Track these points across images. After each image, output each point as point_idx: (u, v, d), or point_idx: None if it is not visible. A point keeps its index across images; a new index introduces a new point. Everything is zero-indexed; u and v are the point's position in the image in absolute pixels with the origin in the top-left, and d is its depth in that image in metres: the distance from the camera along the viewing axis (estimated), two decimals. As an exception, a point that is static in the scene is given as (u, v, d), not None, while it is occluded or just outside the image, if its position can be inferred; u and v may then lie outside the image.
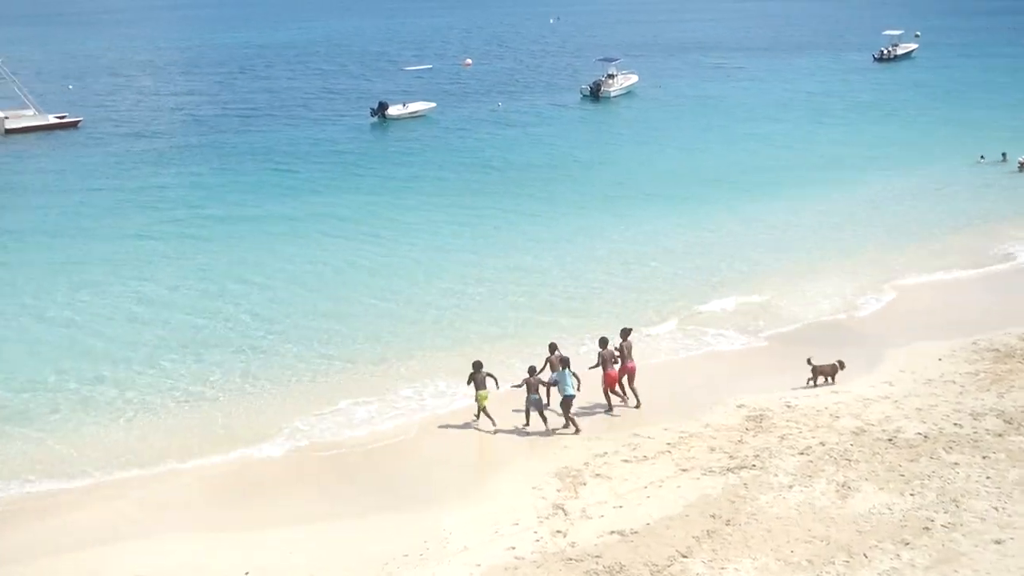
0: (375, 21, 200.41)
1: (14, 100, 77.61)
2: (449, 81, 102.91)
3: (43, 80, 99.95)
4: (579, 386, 25.55)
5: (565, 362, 25.83)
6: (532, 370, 26.05)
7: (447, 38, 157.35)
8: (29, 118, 75.95)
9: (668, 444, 24.25)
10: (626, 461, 23.39)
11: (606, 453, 23.89)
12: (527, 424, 26.03)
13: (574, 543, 19.67)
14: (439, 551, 19.75)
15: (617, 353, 26.89)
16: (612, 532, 20.02)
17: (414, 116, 79.39)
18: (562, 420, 25.77)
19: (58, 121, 76.59)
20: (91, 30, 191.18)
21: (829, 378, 28.15)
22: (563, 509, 21.14)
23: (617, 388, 27.06)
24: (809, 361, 28.25)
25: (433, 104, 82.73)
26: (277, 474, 24.22)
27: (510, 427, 26.28)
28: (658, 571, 18.53)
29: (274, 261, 41.57)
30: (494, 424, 26.15)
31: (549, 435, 25.31)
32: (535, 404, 25.79)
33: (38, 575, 19.90)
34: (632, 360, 27.10)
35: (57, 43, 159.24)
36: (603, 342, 27.08)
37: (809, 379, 28.11)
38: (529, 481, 22.59)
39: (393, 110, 78.92)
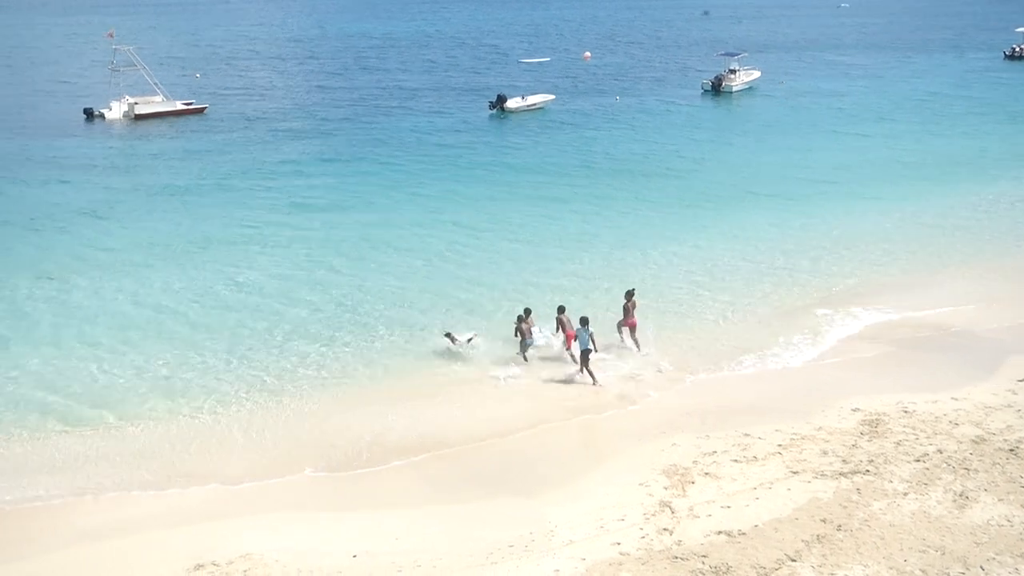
0: (489, 13, 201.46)
1: (144, 87, 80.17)
2: (567, 74, 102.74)
3: (171, 67, 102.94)
4: (595, 344, 28.77)
5: (584, 321, 28.79)
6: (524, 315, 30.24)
7: (562, 31, 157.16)
8: (158, 104, 78.40)
9: (779, 446, 23.88)
10: (736, 461, 23.12)
11: (715, 452, 23.65)
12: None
13: (680, 541, 19.53)
14: (544, 543, 19.82)
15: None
16: (719, 532, 19.82)
17: (532, 109, 79.40)
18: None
19: (185, 107, 78.92)
20: (215, 17, 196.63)
21: None
22: (670, 507, 21.00)
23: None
24: None
25: (552, 97, 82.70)
26: (384, 461, 24.57)
27: (616, 417, 26.34)
28: (765, 574, 18.29)
29: (382, 252, 42.15)
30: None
31: (655, 433, 25.20)
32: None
33: (150, 547, 20.56)
34: (634, 317, 31.14)
35: (183, 30, 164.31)
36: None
37: None
38: (636, 477, 22.49)
39: (512, 103, 79.08)
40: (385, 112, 78.66)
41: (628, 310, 31.29)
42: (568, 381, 29.11)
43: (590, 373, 28.76)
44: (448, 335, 31.22)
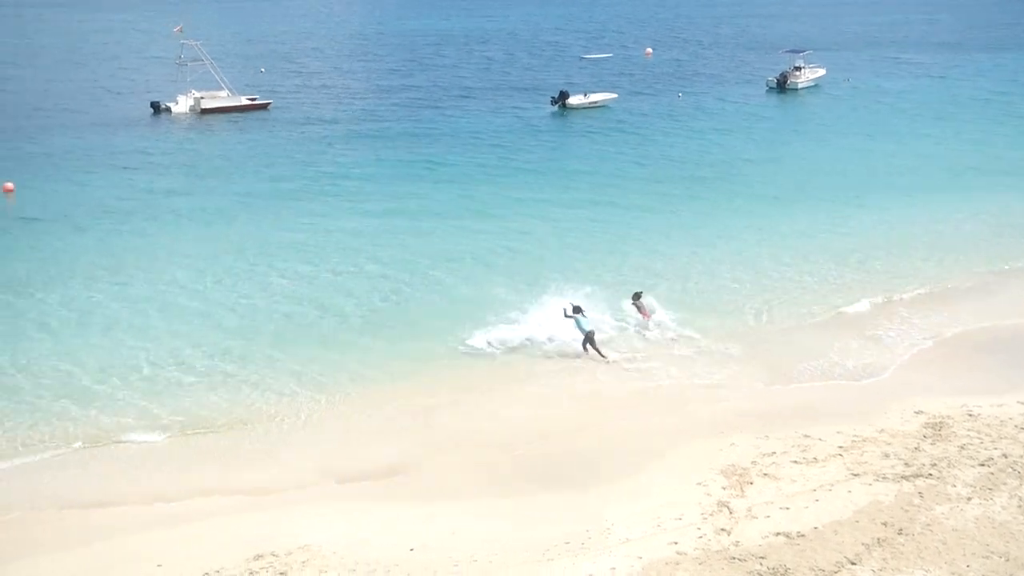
0: (548, 9, 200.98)
1: (210, 81, 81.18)
2: (629, 71, 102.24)
3: (235, 62, 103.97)
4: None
5: (577, 309, 31.11)
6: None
7: (622, 28, 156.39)
8: (223, 99, 79.31)
9: (840, 447, 23.61)
10: (795, 462, 22.90)
11: (775, 453, 23.45)
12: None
13: (738, 542, 19.40)
14: (601, 541, 19.80)
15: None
16: (778, 534, 19.65)
17: (595, 106, 79.10)
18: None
19: (250, 103, 79.77)
20: (277, 13, 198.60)
21: None
22: (728, 507, 20.87)
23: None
24: None
25: (615, 95, 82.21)
26: (439, 454, 24.76)
27: (674, 415, 26.33)
28: (824, 577, 18.14)
29: (437, 248, 42.23)
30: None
31: (713, 432, 25.06)
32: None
33: (211, 536, 20.87)
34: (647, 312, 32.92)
35: (248, 25, 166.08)
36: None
37: None
38: (694, 476, 22.38)
39: (574, 99, 78.83)
40: (444, 109, 78.88)
41: (641, 308, 33.02)
42: (624, 375, 29.19)
43: (598, 351, 30.43)
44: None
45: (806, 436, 24.33)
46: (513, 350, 31.09)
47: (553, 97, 79.57)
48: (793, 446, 23.82)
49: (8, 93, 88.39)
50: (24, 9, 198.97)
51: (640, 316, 32.93)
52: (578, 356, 30.48)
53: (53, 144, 64.63)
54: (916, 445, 23.57)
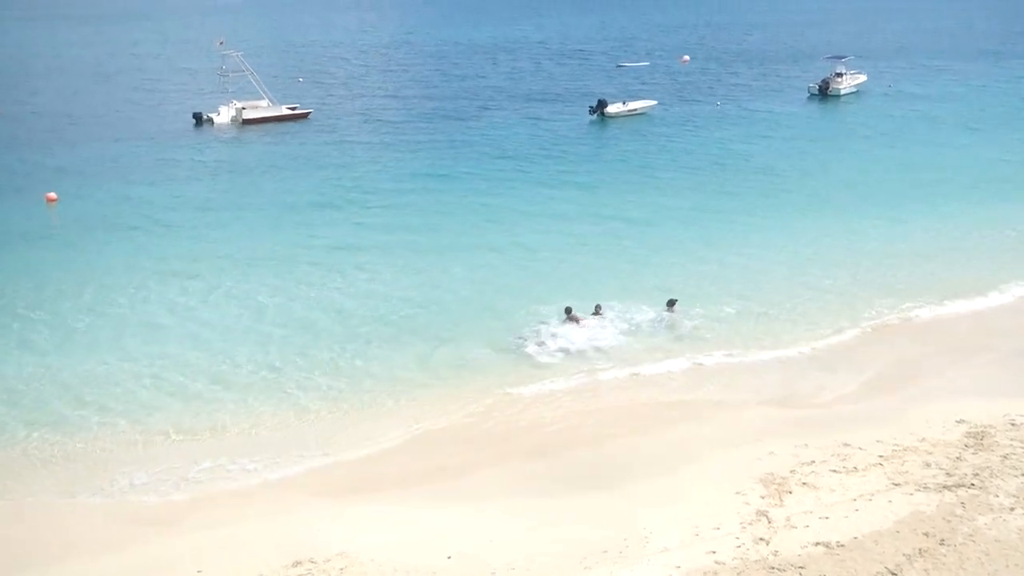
0: (581, 18, 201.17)
1: (250, 91, 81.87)
2: (666, 78, 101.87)
3: (275, 72, 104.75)
4: None
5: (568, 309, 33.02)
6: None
7: (653, 36, 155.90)
8: (264, 109, 79.89)
9: (880, 456, 23.42)
10: (835, 471, 22.74)
11: (814, 462, 23.30)
12: None
13: (777, 552, 19.30)
14: (638, 549, 19.77)
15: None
16: (817, 543, 19.53)
17: (633, 114, 78.77)
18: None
19: (290, 112, 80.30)
20: (314, 24, 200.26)
21: None
22: (767, 516, 20.76)
23: None
24: None
25: (654, 102, 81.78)
26: (477, 457, 24.94)
27: (711, 421, 26.31)
28: (864, 587, 18.00)
29: (472, 258, 42.25)
30: None
31: (751, 440, 24.93)
32: None
33: (250, 542, 21.08)
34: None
35: (286, 34, 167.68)
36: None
37: None
38: (732, 485, 22.28)
39: (612, 107, 78.45)
40: (482, 118, 78.88)
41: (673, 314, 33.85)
42: (658, 381, 29.32)
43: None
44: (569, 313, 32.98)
45: (846, 445, 24.16)
46: (548, 358, 31.20)
47: (591, 106, 79.19)
48: (832, 455, 23.66)
49: (53, 105, 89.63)
50: (66, 22, 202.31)
51: (674, 322, 33.15)
52: (612, 365, 30.52)
53: (96, 155, 65.46)
54: (958, 455, 23.33)
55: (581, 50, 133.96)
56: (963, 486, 21.62)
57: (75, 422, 27.67)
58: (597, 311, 33.73)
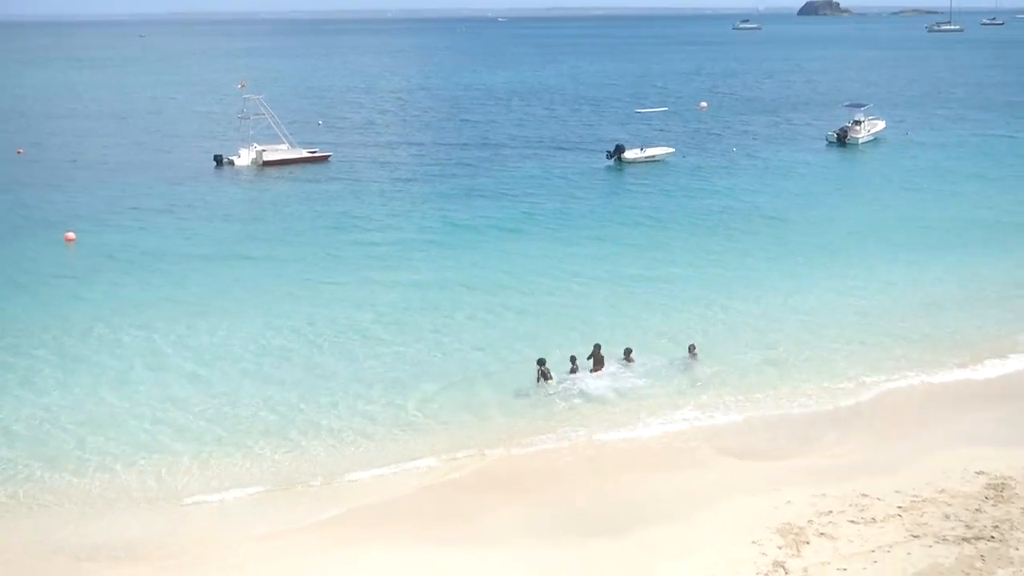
0: (597, 64, 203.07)
1: (271, 135, 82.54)
2: (683, 125, 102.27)
3: (294, 115, 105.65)
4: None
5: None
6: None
7: (668, 82, 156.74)
8: (284, 152, 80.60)
9: (899, 507, 23.16)
10: (853, 522, 22.49)
11: (831, 512, 23.05)
12: None
13: (793, 603, 19.06)
14: (653, 599, 19.57)
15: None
16: (834, 595, 19.29)
17: (651, 160, 78.77)
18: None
19: (310, 155, 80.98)
20: (333, 65, 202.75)
21: None
22: (784, 567, 20.52)
23: None
24: None
25: (671, 149, 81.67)
26: (489, 499, 24.89)
27: (727, 467, 26.11)
28: (882, 640, 17.73)
29: (488, 300, 42.28)
30: None
31: (768, 489, 24.71)
32: None
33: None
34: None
35: (303, 79, 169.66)
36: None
37: None
38: (748, 534, 22.05)
39: (630, 153, 78.46)
40: (496, 164, 78.94)
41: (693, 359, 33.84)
42: (674, 425, 29.30)
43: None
44: (541, 369, 32.26)
45: (863, 495, 23.90)
46: (561, 402, 31.10)
47: (608, 151, 79.30)
48: (851, 505, 23.41)
49: (73, 146, 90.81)
50: (82, 66, 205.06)
51: (692, 368, 33.19)
52: (626, 409, 30.42)
53: (117, 195, 66.07)
54: (977, 506, 23.06)
55: (596, 96, 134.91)
56: (983, 538, 21.34)
57: (71, 463, 27.58)
58: (627, 356, 33.56)
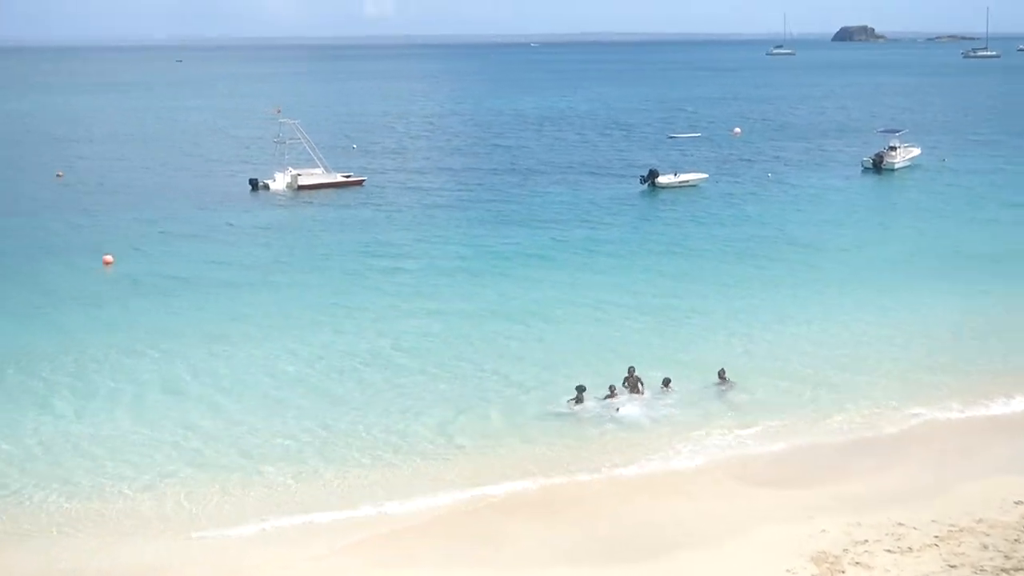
0: (631, 90, 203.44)
1: (306, 159, 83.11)
2: (716, 150, 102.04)
3: (329, 140, 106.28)
4: None
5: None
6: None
7: (700, 108, 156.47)
8: (319, 176, 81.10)
9: (936, 537, 22.88)
10: (889, 551, 22.25)
11: (867, 541, 22.80)
12: None
13: (829, 633, 18.85)
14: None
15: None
16: (871, 625, 19.06)
17: (685, 185, 78.56)
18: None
19: (344, 179, 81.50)
20: (368, 91, 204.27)
21: None
22: (818, 596, 20.33)
23: None
24: None
25: (705, 175, 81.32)
26: (511, 518, 24.90)
27: (761, 495, 25.93)
28: (919, 672, 17.49)
29: (519, 326, 42.20)
30: None
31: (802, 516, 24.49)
32: None
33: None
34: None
35: (339, 103, 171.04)
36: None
37: None
38: (782, 561, 21.85)
39: (663, 178, 78.18)
40: (529, 189, 78.89)
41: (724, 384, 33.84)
42: (705, 450, 29.14)
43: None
44: (578, 395, 32.23)
45: (900, 524, 23.64)
46: (592, 428, 30.97)
47: (642, 176, 79.12)
48: (887, 534, 23.16)
49: (110, 170, 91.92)
50: (115, 91, 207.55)
51: (723, 394, 33.22)
52: (658, 435, 30.31)
53: (153, 219, 66.74)
54: (1016, 536, 22.75)
55: (627, 121, 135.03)
56: (1021, 570, 21.04)
57: (88, 488, 27.65)
58: (666, 385, 33.44)
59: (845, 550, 22.38)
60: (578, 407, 32.02)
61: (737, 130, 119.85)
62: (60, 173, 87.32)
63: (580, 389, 32.44)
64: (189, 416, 32.62)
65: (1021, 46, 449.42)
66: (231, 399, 34.20)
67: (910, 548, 22.34)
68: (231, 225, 65.08)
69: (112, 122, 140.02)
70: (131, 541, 24.79)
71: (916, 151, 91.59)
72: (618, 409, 31.65)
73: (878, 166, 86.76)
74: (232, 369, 37.13)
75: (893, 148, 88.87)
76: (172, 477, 28.24)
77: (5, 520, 25.81)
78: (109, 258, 53.85)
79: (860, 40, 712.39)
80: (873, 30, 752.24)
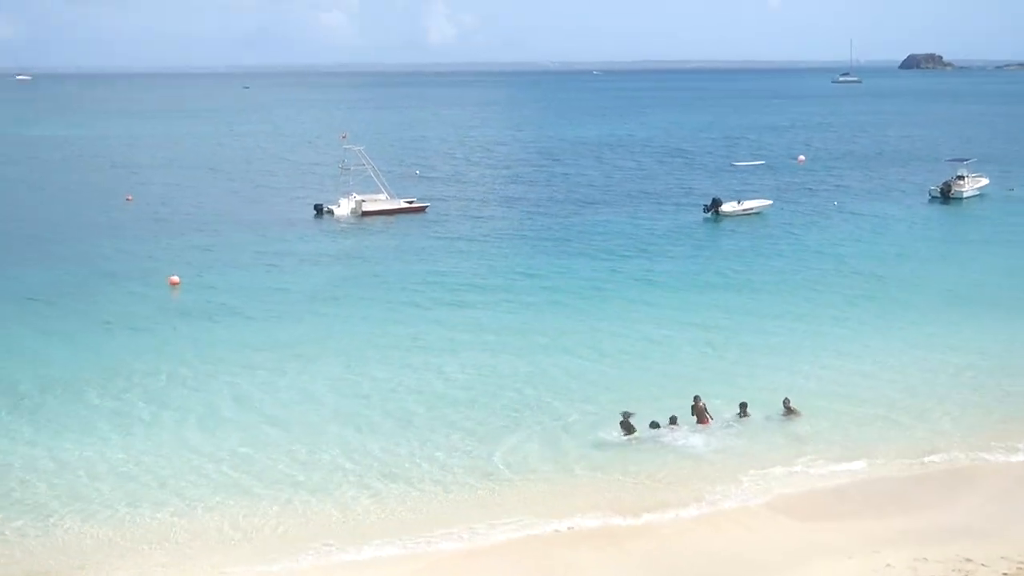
0: (690, 117, 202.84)
1: (369, 185, 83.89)
2: (779, 178, 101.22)
3: (392, 166, 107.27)
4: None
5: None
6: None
7: (761, 135, 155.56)
8: (382, 202, 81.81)
9: (1004, 574, 22.47)
10: (956, 586, 21.93)
11: (933, 576, 22.48)
12: None
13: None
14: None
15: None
16: (936, 663, 18.77)
17: (748, 213, 78.07)
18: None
19: (407, 206, 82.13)
20: (426, 114, 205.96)
21: None
22: (883, 632, 20.06)
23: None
24: None
25: (769, 202, 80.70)
26: (577, 546, 24.88)
27: (824, 529, 25.57)
28: None
29: (577, 355, 42.22)
30: None
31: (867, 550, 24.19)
32: None
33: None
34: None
35: (402, 129, 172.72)
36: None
37: None
38: (848, 597, 21.64)
39: (727, 207, 77.73)
40: (589, 217, 78.77)
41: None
42: (768, 480, 28.94)
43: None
44: (626, 422, 32.20)
45: (967, 560, 23.25)
46: (654, 457, 30.86)
47: (705, 204, 78.66)
48: (953, 570, 22.80)
49: (177, 194, 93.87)
50: (201, 117, 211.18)
51: (787, 424, 33.09)
52: (721, 465, 30.13)
53: (220, 243, 67.96)
54: (1090, 575, 22.31)
55: (688, 149, 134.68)
56: (1094, 609, 20.63)
57: (152, 504, 28.11)
58: (743, 410, 33.42)
59: (911, 586, 22.10)
60: (628, 437, 31.92)
61: (801, 158, 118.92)
62: (130, 197, 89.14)
63: (627, 415, 32.41)
64: (253, 433, 33.18)
65: None
66: (293, 417, 34.72)
67: (978, 585, 22.00)
68: (295, 250, 65.91)
69: (180, 147, 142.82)
70: (198, 556, 25.15)
71: (984, 180, 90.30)
72: (677, 438, 31.56)
73: (946, 195, 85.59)
74: (293, 390, 37.65)
75: (961, 177, 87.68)
76: (235, 494, 28.65)
77: (37, 549, 25.92)
78: (176, 279, 54.83)
79: (927, 67, 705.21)
80: (941, 57, 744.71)
